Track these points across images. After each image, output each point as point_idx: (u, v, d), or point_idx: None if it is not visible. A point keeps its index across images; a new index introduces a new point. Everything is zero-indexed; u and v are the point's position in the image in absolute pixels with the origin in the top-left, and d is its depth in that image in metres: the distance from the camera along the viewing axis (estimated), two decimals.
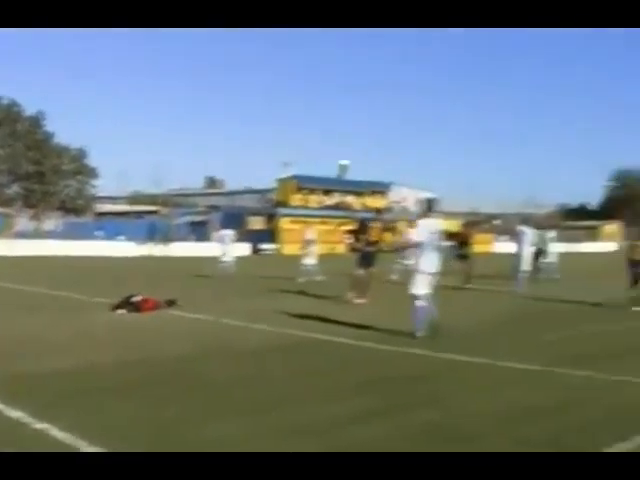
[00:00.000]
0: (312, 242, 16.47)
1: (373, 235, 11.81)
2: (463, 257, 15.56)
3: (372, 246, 11.65)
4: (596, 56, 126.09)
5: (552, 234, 18.47)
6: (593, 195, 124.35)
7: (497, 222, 57.18)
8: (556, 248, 18.53)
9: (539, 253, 17.30)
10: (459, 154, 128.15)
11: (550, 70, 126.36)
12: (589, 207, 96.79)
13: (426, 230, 7.62)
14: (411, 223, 8.20)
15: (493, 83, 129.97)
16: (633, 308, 10.96)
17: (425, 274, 7.60)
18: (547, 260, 18.03)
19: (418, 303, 7.62)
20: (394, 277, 15.38)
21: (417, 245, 7.65)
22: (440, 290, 8.37)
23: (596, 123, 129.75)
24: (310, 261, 16.13)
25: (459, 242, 15.79)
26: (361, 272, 11.53)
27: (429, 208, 7.89)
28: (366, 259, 11.60)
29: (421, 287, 7.60)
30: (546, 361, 6.26)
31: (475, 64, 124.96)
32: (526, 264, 14.24)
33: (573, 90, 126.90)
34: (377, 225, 12.30)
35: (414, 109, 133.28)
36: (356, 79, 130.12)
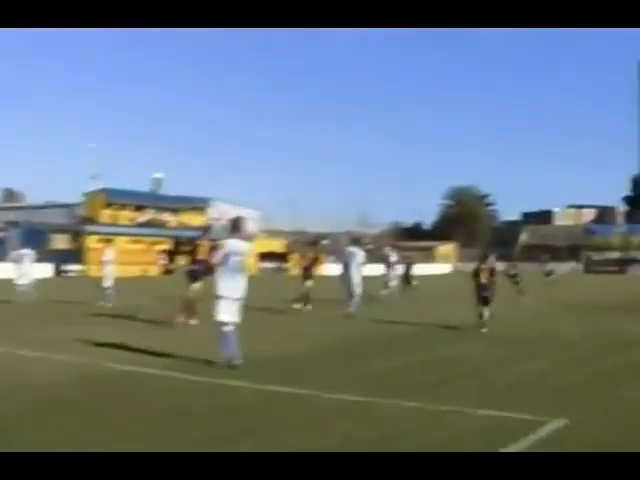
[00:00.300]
0: (108, 263, 16.77)
1: (201, 254, 12.06)
2: (307, 278, 16.21)
3: (199, 265, 11.88)
4: (427, 70, 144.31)
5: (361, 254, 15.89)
6: (428, 213, 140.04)
7: (325, 242, 60.20)
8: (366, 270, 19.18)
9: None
10: (285, 171, 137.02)
11: (382, 82, 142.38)
12: (424, 226, 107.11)
13: (229, 251, 7.69)
14: (215, 243, 8.30)
15: (321, 95, 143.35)
16: (482, 330, 12.07)
17: (229, 299, 7.68)
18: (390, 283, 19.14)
19: (225, 330, 7.70)
20: None
21: (218, 267, 7.69)
22: (269, 314, 8.40)
23: (431, 139, 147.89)
24: (108, 283, 16.54)
25: (307, 263, 16.46)
26: (191, 293, 12.00)
27: (235, 227, 7.99)
28: (194, 279, 12.06)
29: (225, 314, 7.66)
30: (375, 391, 6.43)
31: (299, 75, 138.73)
32: (357, 286, 14.57)
33: (407, 104, 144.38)
34: (204, 244, 12.44)
35: (240, 121, 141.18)
36: (172, 88, 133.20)
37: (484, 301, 12.81)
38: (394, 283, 19.68)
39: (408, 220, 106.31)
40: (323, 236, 63.27)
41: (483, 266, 13.27)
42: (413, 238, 79.62)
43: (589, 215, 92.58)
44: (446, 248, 73.77)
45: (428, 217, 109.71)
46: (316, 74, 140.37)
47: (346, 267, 14.83)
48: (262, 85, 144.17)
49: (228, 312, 7.66)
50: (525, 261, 72.58)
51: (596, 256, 71.71)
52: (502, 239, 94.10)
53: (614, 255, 70.75)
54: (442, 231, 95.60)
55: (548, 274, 33.57)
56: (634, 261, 66.74)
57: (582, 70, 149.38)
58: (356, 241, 16.20)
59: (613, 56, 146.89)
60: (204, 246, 12.33)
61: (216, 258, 7.73)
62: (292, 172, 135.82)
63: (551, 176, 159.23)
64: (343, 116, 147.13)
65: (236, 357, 7.69)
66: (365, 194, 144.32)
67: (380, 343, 10.47)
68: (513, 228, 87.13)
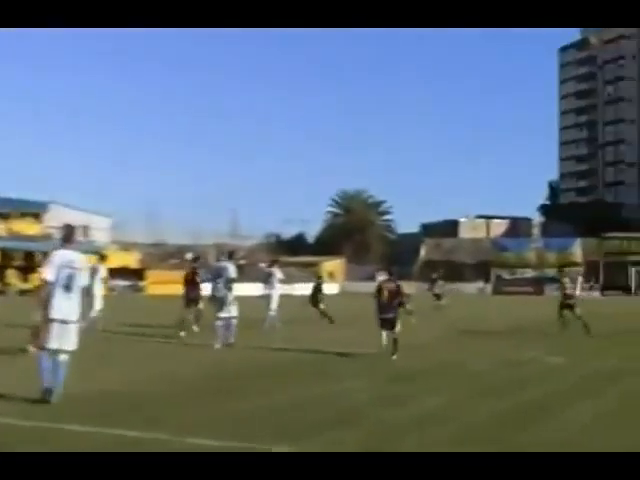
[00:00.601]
0: None
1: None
2: (191, 301, 17.76)
3: None
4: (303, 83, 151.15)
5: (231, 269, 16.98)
6: (313, 223, 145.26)
7: (189, 256, 60.00)
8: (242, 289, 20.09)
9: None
10: (143, 174, 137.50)
11: (263, 90, 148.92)
12: (308, 238, 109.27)
13: (59, 265, 7.85)
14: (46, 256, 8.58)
15: (184, 94, 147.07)
16: (393, 357, 13.27)
17: (60, 322, 7.84)
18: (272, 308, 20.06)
19: (57, 359, 7.97)
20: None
21: (46, 284, 7.85)
22: (125, 341, 8.41)
23: (318, 139, 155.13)
24: None
25: (185, 282, 17.96)
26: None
27: (67, 236, 8.20)
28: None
29: (56, 340, 7.85)
30: (241, 435, 6.57)
31: (189, 85, 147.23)
32: (233, 309, 15.38)
33: (293, 107, 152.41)
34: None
35: (92, 109, 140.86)
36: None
37: (388, 324, 13.93)
38: (274, 306, 20.53)
39: (288, 231, 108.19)
40: (186, 249, 62.58)
41: (386, 284, 14.44)
42: (294, 252, 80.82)
43: (500, 227, 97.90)
44: (332, 264, 75.59)
45: (312, 228, 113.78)
46: (173, 74, 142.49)
47: (215, 285, 15.50)
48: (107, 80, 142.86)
49: (59, 338, 7.83)
50: (424, 280, 77.40)
51: (508, 275, 76.80)
52: (399, 254, 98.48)
53: (528, 274, 76.43)
54: (328, 244, 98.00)
55: (437, 297, 34.34)
56: (551, 280, 71.58)
57: (494, 66, 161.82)
58: (229, 254, 16.91)
59: (527, 55, 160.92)
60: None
61: (45, 273, 7.83)
62: (151, 175, 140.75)
63: (457, 182, 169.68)
64: (211, 112, 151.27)
65: (56, 392, 7.81)
66: (237, 201, 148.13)
67: (258, 375, 11.04)
68: (412, 241, 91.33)
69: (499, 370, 12.34)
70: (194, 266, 18.79)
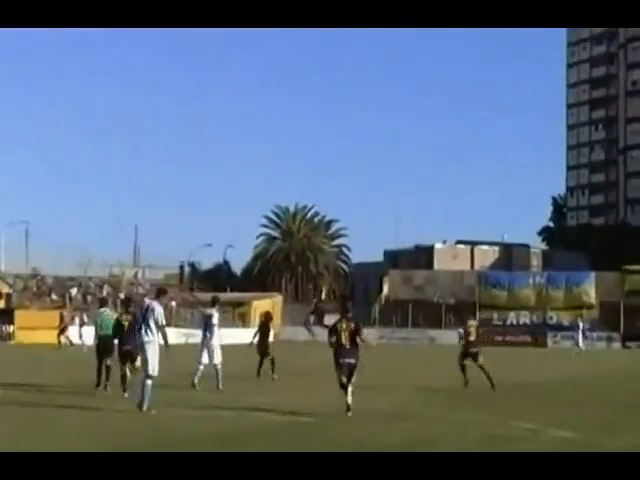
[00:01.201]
0: None
1: None
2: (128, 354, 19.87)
3: None
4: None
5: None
6: (242, 249, 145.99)
7: (74, 291, 59.67)
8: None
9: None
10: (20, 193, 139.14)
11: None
12: (234, 269, 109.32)
13: None
14: None
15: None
16: (348, 414, 15.38)
17: None
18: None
19: None
20: None
21: None
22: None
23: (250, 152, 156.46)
24: None
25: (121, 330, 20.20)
26: None
27: None
28: None
29: None
30: None
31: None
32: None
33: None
34: None
35: None
36: None
37: (348, 371, 15.63)
38: (218, 358, 21.85)
39: (208, 260, 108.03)
40: (71, 281, 62.69)
41: (343, 324, 15.88)
42: (215, 287, 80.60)
43: (488, 256, 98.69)
44: (265, 304, 75.25)
45: (240, 255, 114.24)
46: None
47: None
48: None
49: None
50: (386, 324, 79.13)
51: (498, 319, 77.84)
52: (355, 291, 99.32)
53: (526, 318, 77.85)
54: (260, 277, 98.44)
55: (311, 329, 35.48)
56: (556, 327, 71.58)
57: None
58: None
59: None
60: None
61: None
62: (28, 195, 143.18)
63: (431, 196, 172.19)
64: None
65: None
66: (140, 221, 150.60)
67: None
68: (373, 274, 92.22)
69: (483, 448, 12.52)
70: (130, 310, 20.38)
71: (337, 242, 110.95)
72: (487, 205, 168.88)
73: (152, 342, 16.03)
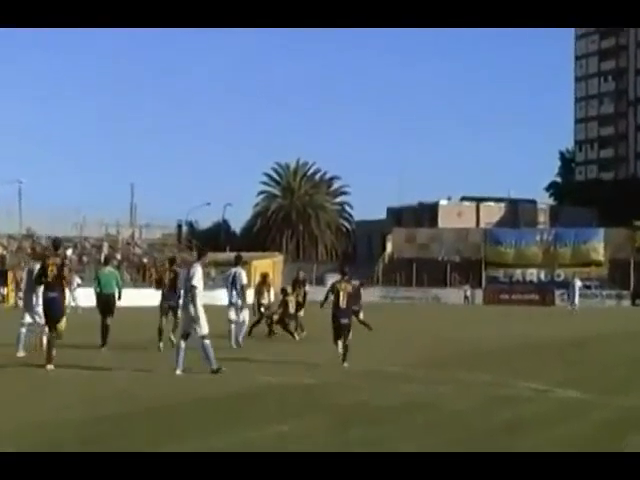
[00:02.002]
0: None
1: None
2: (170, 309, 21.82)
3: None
4: None
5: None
6: (241, 208, 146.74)
7: (70, 252, 59.78)
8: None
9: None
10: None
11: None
12: (234, 228, 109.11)
13: None
14: None
15: None
16: (344, 364, 17.02)
17: None
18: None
19: None
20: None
21: None
22: None
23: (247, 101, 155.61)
24: None
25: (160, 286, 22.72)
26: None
27: None
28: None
29: None
30: None
31: None
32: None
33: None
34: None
35: None
36: None
37: (344, 331, 16.99)
38: (245, 317, 22.85)
39: (206, 219, 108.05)
40: (66, 242, 62.85)
41: (342, 284, 17.00)
42: (214, 247, 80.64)
43: (494, 213, 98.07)
44: (266, 264, 75.41)
45: (239, 214, 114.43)
46: None
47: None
48: None
49: None
50: (390, 284, 78.99)
51: (504, 277, 78.02)
52: (358, 249, 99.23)
53: (532, 276, 78.00)
54: (260, 236, 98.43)
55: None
56: (564, 285, 69.80)
57: None
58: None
59: None
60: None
61: None
62: (21, 154, 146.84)
63: (436, 150, 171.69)
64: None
65: None
66: (136, 179, 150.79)
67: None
68: (375, 232, 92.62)
69: (488, 409, 12.59)
70: (174, 269, 22.39)
71: (339, 200, 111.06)
72: (493, 160, 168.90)
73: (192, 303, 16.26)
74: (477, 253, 79.03)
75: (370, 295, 65.40)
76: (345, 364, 17.08)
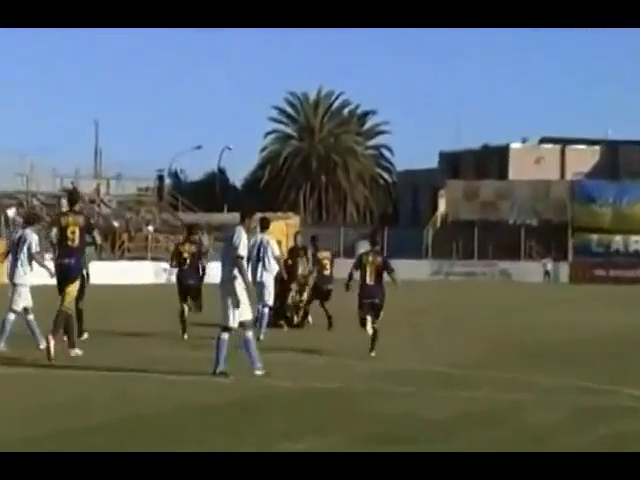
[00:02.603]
0: None
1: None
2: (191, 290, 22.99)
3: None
4: None
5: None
6: (244, 152, 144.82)
7: (11, 212, 59.60)
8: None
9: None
10: None
11: None
12: (233, 180, 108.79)
13: None
14: None
15: None
16: (372, 354, 18.42)
17: None
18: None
19: None
20: None
21: None
22: None
23: None
24: None
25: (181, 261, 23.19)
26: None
27: None
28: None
29: None
30: None
31: None
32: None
33: None
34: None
35: None
36: None
37: (373, 310, 18.22)
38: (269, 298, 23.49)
39: (196, 169, 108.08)
40: (8, 199, 62.67)
41: (370, 257, 18.07)
42: (208, 206, 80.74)
43: (585, 159, 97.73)
44: (277, 227, 75.25)
45: (241, 162, 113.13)
46: None
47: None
48: None
49: None
50: (441, 256, 78.24)
51: (599, 246, 77.49)
52: (399, 209, 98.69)
53: (638, 244, 77.80)
54: (269, 191, 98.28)
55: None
56: None
57: None
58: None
59: None
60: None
61: None
62: None
63: (505, 76, 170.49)
64: None
65: None
66: (101, 117, 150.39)
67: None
68: (424, 186, 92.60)
69: (577, 424, 12.64)
70: (194, 239, 23.54)
71: (375, 142, 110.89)
72: (583, 90, 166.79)
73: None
74: (562, 214, 78.70)
75: (415, 270, 65.73)
76: (372, 353, 18.30)
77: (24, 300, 19.29)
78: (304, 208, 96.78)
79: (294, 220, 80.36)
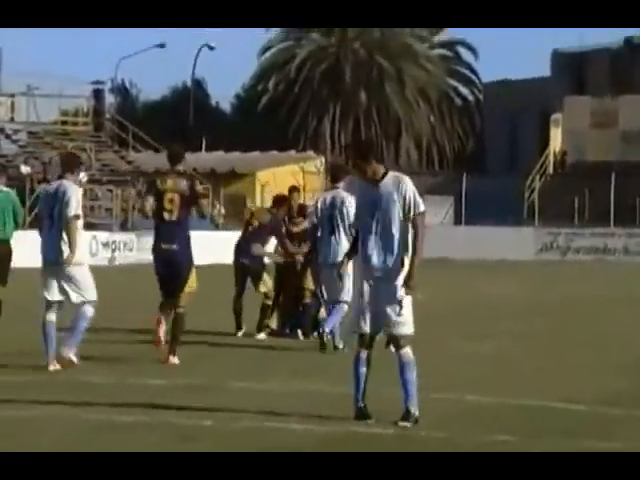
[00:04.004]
0: None
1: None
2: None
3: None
4: None
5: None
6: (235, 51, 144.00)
7: None
8: None
9: None
10: None
11: None
12: (220, 100, 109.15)
13: None
14: None
15: None
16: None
17: None
18: None
19: None
20: None
21: None
22: None
23: None
24: None
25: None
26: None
27: None
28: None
29: None
30: None
31: None
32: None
33: None
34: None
35: None
36: None
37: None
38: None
39: (157, 82, 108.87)
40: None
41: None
42: (180, 139, 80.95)
43: None
44: (288, 174, 75.72)
45: (228, 70, 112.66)
46: None
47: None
48: None
49: None
50: (551, 220, 77.47)
51: None
52: (493, 144, 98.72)
53: None
54: (274, 117, 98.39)
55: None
56: None
57: None
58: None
59: None
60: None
61: None
62: None
63: None
64: None
65: None
66: None
67: None
68: (528, 106, 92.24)
69: None
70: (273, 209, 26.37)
71: (448, 36, 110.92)
72: None
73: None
74: None
75: (514, 244, 66.08)
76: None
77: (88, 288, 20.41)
78: (331, 145, 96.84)
79: (315, 163, 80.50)
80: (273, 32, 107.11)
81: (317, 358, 22.91)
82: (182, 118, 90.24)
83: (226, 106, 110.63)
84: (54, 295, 20.32)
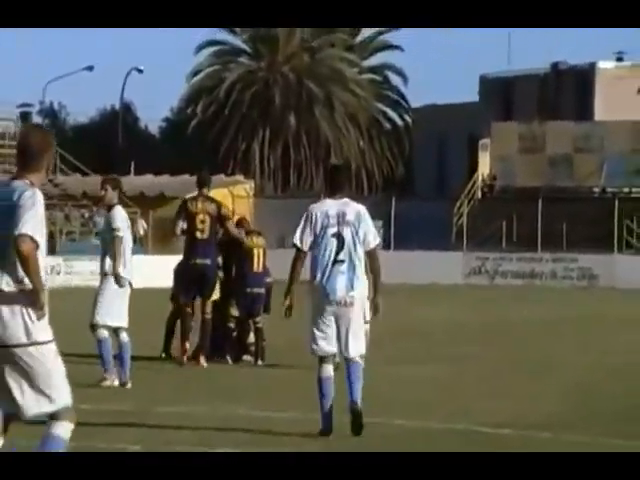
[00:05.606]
0: None
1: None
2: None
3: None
4: None
5: None
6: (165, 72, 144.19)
7: None
8: None
9: None
10: None
11: None
12: (149, 122, 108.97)
13: None
14: None
15: None
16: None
17: None
18: None
19: None
20: None
21: None
22: None
23: None
24: None
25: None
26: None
27: None
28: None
29: None
30: None
31: None
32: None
33: None
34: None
35: None
36: None
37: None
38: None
39: (87, 104, 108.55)
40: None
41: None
42: (107, 164, 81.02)
43: None
44: (223, 196, 75.64)
45: (157, 93, 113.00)
46: None
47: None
48: None
49: None
50: (476, 247, 77.49)
51: None
52: (421, 168, 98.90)
53: None
54: (203, 141, 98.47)
55: None
56: None
57: None
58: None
59: None
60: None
61: None
62: None
63: None
64: None
65: None
66: None
67: None
68: (456, 130, 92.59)
69: None
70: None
71: (377, 60, 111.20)
72: None
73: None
74: None
75: (442, 268, 66.51)
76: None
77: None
78: (261, 168, 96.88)
79: (244, 188, 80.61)
80: (202, 55, 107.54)
81: (243, 381, 23.65)
82: (111, 141, 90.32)
83: (155, 129, 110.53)
84: None
